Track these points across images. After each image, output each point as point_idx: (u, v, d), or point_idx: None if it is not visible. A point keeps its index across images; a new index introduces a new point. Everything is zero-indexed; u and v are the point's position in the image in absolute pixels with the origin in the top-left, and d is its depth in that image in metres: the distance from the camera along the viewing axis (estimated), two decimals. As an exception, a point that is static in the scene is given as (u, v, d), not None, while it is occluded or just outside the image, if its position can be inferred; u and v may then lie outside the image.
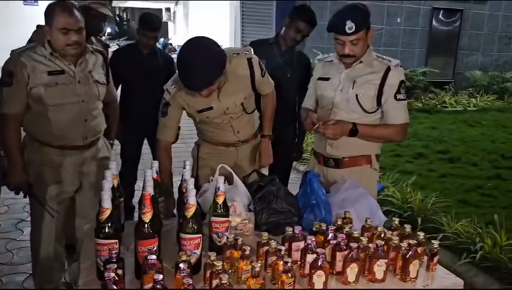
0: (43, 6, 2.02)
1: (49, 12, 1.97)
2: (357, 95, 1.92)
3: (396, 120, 1.93)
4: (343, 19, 1.82)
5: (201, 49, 1.77)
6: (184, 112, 2.05)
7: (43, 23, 2.03)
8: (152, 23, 3.04)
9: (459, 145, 5.98)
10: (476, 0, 10.00)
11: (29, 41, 2.47)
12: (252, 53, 2.01)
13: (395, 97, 1.90)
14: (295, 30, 2.63)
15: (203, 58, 1.74)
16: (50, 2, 2.03)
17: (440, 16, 9.91)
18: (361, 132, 1.91)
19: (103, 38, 3.93)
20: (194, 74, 1.75)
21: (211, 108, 1.98)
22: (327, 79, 2.03)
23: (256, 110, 2.20)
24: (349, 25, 1.80)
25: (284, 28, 2.71)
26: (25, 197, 2.17)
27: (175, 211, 1.87)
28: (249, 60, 1.99)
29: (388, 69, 1.90)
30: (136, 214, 3.03)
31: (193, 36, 1.86)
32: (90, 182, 2.21)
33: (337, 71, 1.99)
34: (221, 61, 1.80)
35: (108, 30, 15.60)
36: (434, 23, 9.86)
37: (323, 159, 2.07)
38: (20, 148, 2.09)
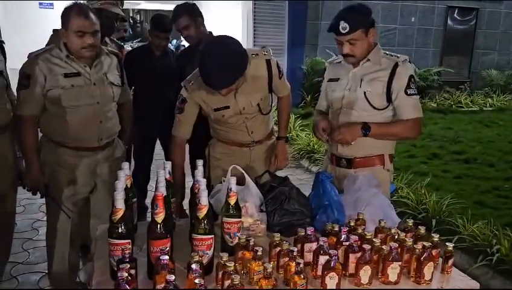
0: (58, 9, 2.04)
1: (65, 15, 2.00)
2: (365, 93, 1.92)
3: (409, 115, 1.91)
4: (338, 19, 1.85)
5: (224, 48, 1.80)
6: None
7: (58, 26, 2.06)
8: (163, 24, 3.07)
9: (475, 146, 5.88)
10: (492, -2, 9.85)
11: (48, 45, 2.50)
12: (271, 54, 2.03)
13: (406, 92, 1.89)
14: None
15: (226, 58, 1.76)
16: (66, 5, 2.06)
17: (455, 15, 9.76)
18: (374, 130, 1.89)
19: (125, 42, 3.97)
20: (216, 72, 1.77)
21: (227, 107, 1.99)
22: (336, 80, 2.04)
23: (271, 112, 2.20)
24: (343, 25, 1.83)
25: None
26: (41, 197, 2.21)
27: (187, 211, 1.87)
28: (268, 61, 2.00)
29: (396, 65, 1.89)
30: (149, 215, 3.05)
31: (218, 34, 1.88)
32: (104, 182, 2.23)
33: (346, 71, 2.00)
34: (244, 61, 1.82)
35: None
36: (449, 22, 9.71)
37: (335, 159, 2.06)
38: (37, 150, 2.12)
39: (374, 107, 1.92)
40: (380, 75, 1.91)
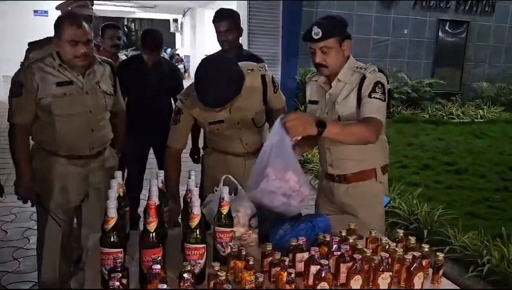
0: (53, 17, 2.06)
1: (58, 24, 2.01)
2: (339, 117, 1.88)
3: (368, 114, 1.77)
4: (311, 26, 1.84)
5: (221, 68, 1.81)
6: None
7: (53, 34, 2.07)
8: (152, 42, 3.09)
9: (466, 157, 5.94)
10: (483, 12, 10.01)
11: (25, 59, 2.35)
12: (266, 69, 2.05)
13: (369, 95, 1.80)
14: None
15: (222, 78, 1.77)
16: (60, 13, 2.07)
17: (446, 28, 9.92)
18: (330, 128, 1.65)
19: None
20: (211, 92, 1.78)
21: (222, 121, 2.01)
22: (316, 102, 2.03)
23: (266, 124, 2.22)
24: (315, 31, 1.80)
25: None
26: (32, 206, 2.19)
27: (180, 220, 1.88)
28: (263, 77, 2.02)
29: (363, 78, 1.83)
30: (141, 223, 3.03)
31: (213, 53, 1.89)
32: (96, 191, 2.23)
33: (323, 93, 1.98)
34: (240, 81, 1.83)
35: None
36: (440, 34, 9.87)
37: (329, 174, 2.06)
38: (28, 158, 2.11)
39: None
40: (350, 93, 1.86)
